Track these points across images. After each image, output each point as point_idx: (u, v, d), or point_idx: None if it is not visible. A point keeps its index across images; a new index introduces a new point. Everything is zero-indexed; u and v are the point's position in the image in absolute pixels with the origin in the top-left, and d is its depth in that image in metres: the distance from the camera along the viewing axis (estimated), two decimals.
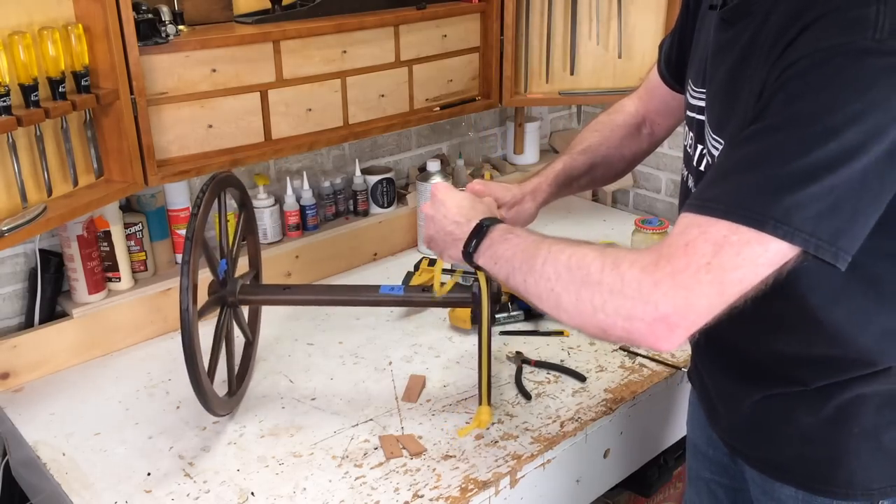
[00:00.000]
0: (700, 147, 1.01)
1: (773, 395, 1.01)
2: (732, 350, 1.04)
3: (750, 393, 1.04)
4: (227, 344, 1.36)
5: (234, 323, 1.41)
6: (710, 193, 0.79)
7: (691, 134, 1.04)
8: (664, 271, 0.77)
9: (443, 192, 1.14)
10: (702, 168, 1.00)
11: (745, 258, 0.75)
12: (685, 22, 1.16)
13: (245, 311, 1.51)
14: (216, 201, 1.35)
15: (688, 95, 1.06)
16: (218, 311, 1.35)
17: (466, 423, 1.34)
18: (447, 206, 1.11)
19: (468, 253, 1.03)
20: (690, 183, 1.04)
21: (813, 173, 0.74)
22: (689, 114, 1.05)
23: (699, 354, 1.17)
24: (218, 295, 1.34)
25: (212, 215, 1.65)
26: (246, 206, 1.49)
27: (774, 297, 0.89)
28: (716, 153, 0.93)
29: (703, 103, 0.99)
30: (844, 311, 0.92)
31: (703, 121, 0.99)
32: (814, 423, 0.98)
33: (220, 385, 1.35)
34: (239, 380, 1.43)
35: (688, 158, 1.06)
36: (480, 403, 1.29)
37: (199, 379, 1.21)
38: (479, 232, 1.02)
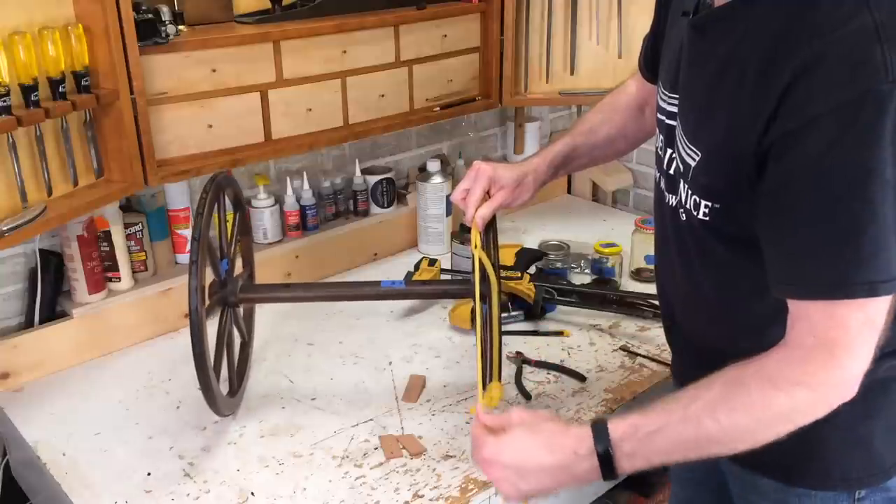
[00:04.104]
0: (670, 151, 1.00)
1: None
2: (706, 348, 1.04)
3: None
4: (227, 343, 1.35)
5: (233, 322, 1.41)
6: (810, 277, 0.82)
7: (661, 137, 1.04)
8: (827, 372, 0.82)
9: (500, 448, 0.94)
10: (671, 172, 1.00)
11: (874, 316, 0.81)
12: (659, 20, 1.15)
13: (239, 310, 1.51)
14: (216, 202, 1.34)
15: (658, 98, 1.05)
16: (219, 311, 1.35)
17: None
18: (524, 453, 0.93)
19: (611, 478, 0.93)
20: (663, 185, 1.04)
21: (888, 230, 0.77)
22: (660, 117, 1.04)
23: (678, 351, 1.17)
24: (220, 295, 1.34)
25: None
26: (241, 206, 1.49)
27: (753, 300, 0.89)
28: (691, 162, 0.93)
29: (674, 108, 0.99)
30: None
31: (673, 126, 0.99)
32: None
33: (221, 387, 1.35)
34: (239, 379, 1.43)
35: (659, 160, 1.06)
36: (490, 380, 1.24)
37: (208, 381, 1.21)
38: (608, 461, 0.91)
